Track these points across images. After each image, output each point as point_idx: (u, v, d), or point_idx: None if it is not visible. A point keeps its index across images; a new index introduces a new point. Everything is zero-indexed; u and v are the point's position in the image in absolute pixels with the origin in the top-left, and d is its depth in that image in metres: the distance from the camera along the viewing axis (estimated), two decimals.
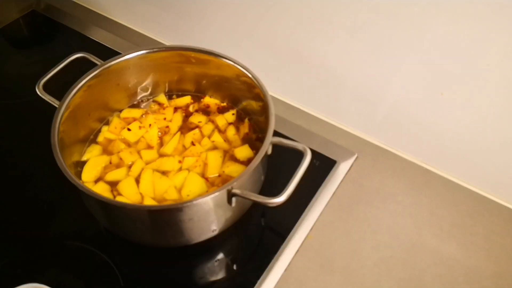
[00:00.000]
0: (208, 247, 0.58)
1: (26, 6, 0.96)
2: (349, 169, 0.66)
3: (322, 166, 0.66)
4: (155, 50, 0.64)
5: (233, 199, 0.51)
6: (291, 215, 0.61)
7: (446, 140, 0.64)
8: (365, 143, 0.71)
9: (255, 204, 0.59)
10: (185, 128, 0.65)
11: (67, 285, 0.55)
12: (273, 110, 0.55)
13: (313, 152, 0.67)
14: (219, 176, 0.59)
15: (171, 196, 0.56)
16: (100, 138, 0.64)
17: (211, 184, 0.58)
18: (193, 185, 0.57)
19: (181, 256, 0.58)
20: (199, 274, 0.57)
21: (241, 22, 0.73)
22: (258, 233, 0.62)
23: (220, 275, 0.57)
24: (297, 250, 0.58)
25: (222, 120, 0.65)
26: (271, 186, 0.56)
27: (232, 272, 0.57)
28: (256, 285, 0.54)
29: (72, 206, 0.62)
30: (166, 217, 0.51)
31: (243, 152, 0.61)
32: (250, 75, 0.60)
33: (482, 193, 0.64)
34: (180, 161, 0.60)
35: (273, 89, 0.76)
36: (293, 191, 0.50)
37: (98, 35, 0.88)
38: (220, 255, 0.58)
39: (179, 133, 0.64)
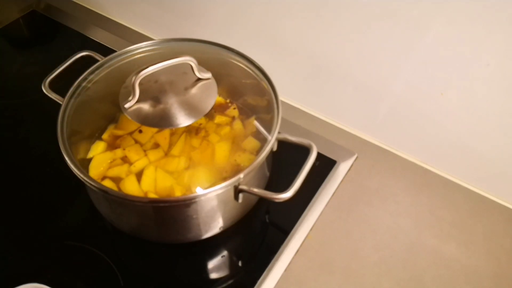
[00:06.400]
0: (209, 245, 0.58)
1: (26, 6, 0.96)
2: (349, 169, 0.66)
3: (322, 166, 0.66)
4: (161, 44, 0.63)
5: (240, 195, 0.51)
6: (291, 215, 0.61)
7: (446, 140, 0.64)
8: (365, 143, 0.71)
9: (257, 204, 0.59)
10: (189, 127, 0.65)
11: (67, 285, 0.54)
12: (280, 105, 0.55)
13: None
14: (231, 164, 0.58)
15: (177, 192, 0.56)
16: (105, 135, 0.63)
17: (220, 175, 0.57)
18: (200, 179, 0.56)
19: (181, 254, 0.58)
20: (199, 273, 0.57)
21: (241, 22, 0.73)
22: (258, 233, 0.62)
23: (220, 274, 0.57)
24: (297, 250, 0.58)
25: (225, 118, 0.65)
26: (275, 184, 0.56)
27: (232, 272, 0.57)
28: (256, 285, 0.54)
29: (73, 206, 0.62)
30: (171, 212, 0.51)
31: (251, 143, 0.60)
32: (258, 70, 0.59)
33: (482, 193, 0.64)
34: (186, 160, 0.59)
35: None
36: (299, 188, 0.50)
37: (98, 35, 0.89)
38: (222, 254, 0.58)
39: (184, 134, 0.63)
